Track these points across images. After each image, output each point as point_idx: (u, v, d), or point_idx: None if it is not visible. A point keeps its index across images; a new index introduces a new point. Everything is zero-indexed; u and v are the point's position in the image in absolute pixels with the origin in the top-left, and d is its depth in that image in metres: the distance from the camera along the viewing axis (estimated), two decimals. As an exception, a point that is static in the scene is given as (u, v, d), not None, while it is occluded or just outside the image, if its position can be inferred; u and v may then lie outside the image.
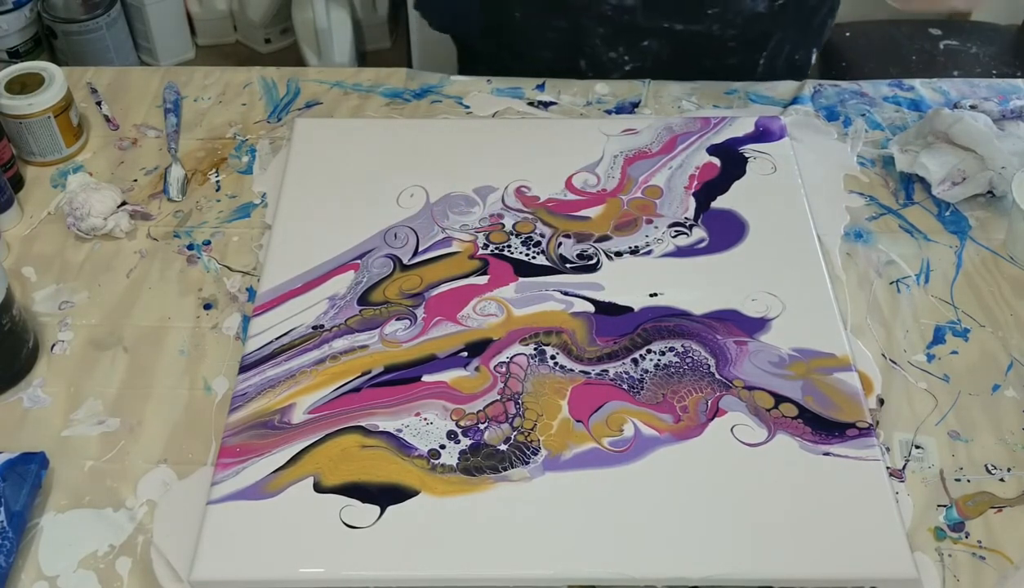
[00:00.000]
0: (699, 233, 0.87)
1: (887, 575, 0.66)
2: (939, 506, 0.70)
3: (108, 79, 1.06)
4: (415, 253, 0.85)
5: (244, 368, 0.76)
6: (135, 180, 0.95)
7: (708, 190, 0.90)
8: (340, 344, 0.78)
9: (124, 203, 0.89)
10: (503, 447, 0.71)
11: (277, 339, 0.78)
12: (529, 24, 1.07)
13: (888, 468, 0.71)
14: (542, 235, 0.86)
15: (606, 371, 0.76)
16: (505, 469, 0.70)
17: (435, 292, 0.82)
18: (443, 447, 0.71)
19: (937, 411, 0.76)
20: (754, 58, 1.09)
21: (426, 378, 0.76)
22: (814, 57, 1.15)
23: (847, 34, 1.69)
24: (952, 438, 0.74)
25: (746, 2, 1.02)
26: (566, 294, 0.81)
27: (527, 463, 0.70)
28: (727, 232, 0.87)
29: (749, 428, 0.72)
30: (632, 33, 1.05)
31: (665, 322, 0.79)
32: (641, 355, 0.77)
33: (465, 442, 0.72)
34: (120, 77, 1.06)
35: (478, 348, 0.77)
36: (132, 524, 0.69)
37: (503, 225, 0.87)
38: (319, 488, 0.69)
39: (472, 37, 1.17)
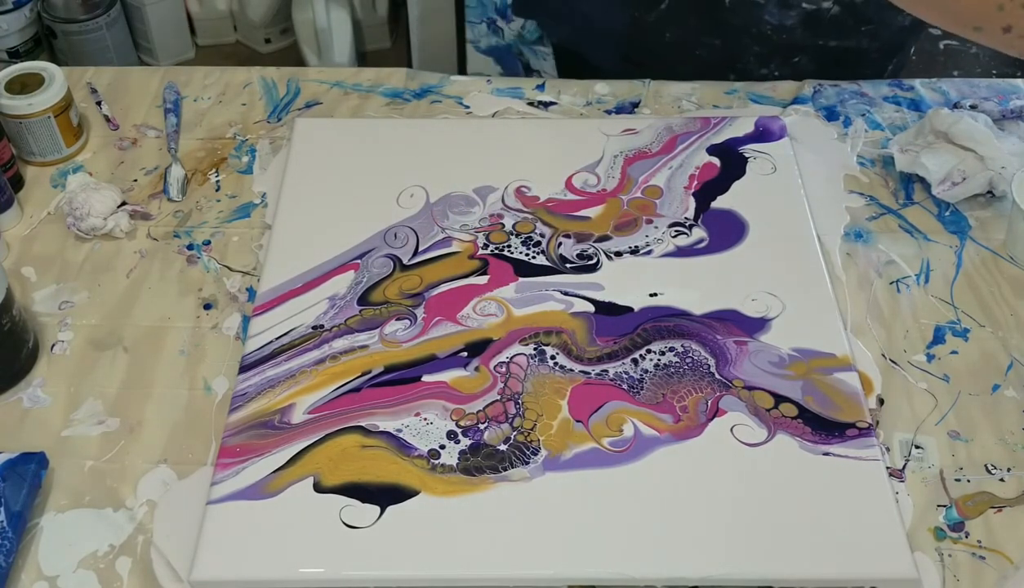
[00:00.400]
0: (699, 233, 0.87)
1: (887, 575, 0.66)
2: (939, 506, 0.70)
3: (108, 79, 1.06)
4: (415, 253, 0.85)
5: (244, 368, 0.76)
6: (135, 180, 0.95)
7: (708, 190, 0.90)
8: (340, 344, 0.78)
9: (124, 203, 0.89)
10: (503, 447, 0.71)
11: (277, 339, 0.78)
12: (680, 44, 1.08)
13: (888, 468, 0.71)
14: (542, 235, 0.86)
15: (606, 371, 0.76)
16: (505, 469, 0.70)
17: (435, 292, 0.82)
18: (443, 447, 0.71)
19: (937, 411, 0.76)
20: (885, 65, 1.11)
21: (426, 378, 0.76)
22: (912, 51, 1.17)
23: (847, 34, 1.69)
24: (952, 438, 0.74)
25: (897, 17, 1.03)
26: (566, 294, 0.81)
27: (527, 463, 0.70)
28: (727, 232, 0.87)
29: (749, 428, 0.72)
30: (787, 50, 1.05)
31: (665, 322, 0.79)
32: (641, 355, 0.77)
33: (465, 442, 0.72)
34: (120, 77, 1.06)
35: (478, 348, 0.77)
36: (132, 524, 0.69)
37: (503, 225, 0.87)
38: (319, 488, 0.69)
39: (606, 56, 1.15)
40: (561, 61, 1.24)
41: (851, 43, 1.04)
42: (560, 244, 0.86)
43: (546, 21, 1.21)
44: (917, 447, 0.74)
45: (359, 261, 0.84)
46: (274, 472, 0.70)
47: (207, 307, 0.83)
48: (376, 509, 0.68)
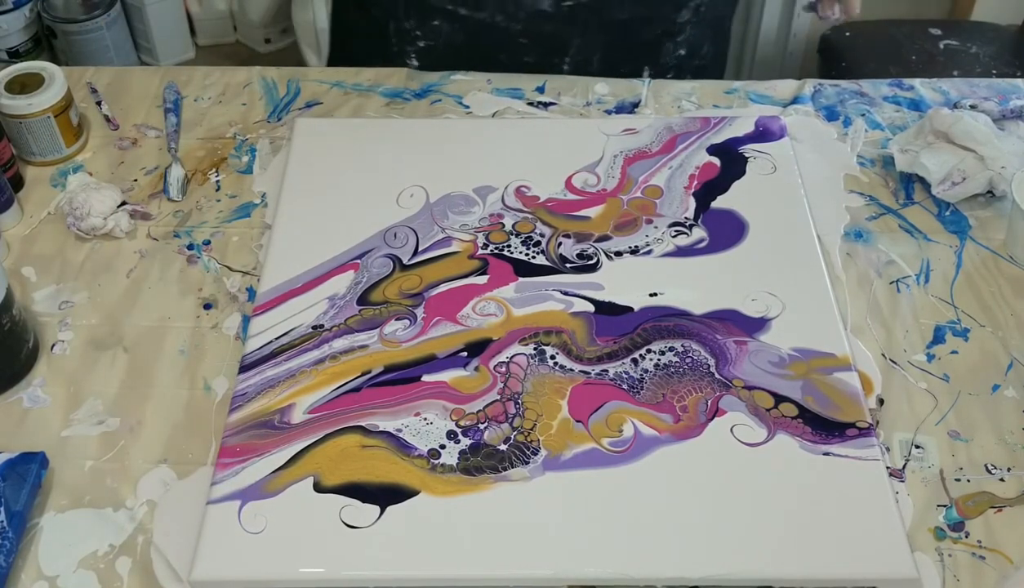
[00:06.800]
0: (699, 233, 0.87)
1: (887, 575, 0.66)
2: (939, 506, 0.70)
3: (108, 79, 1.06)
4: (415, 253, 0.85)
5: (244, 368, 0.76)
6: (135, 180, 0.95)
7: (708, 190, 0.90)
8: (340, 344, 0.78)
9: (124, 203, 0.89)
10: (503, 447, 0.71)
11: (277, 339, 0.78)
12: None
13: (888, 468, 0.71)
14: (542, 235, 0.86)
15: (606, 371, 0.76)
16: (505, 469, 0.70)
17: (435, 292, 0.82)
18: (443, 447, 0.71)
19: (937, 411, 0.76)
20: (553, 61, 1.08)
21: (426, 378, 0.76)
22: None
23: (847, 34, 1.69)
24: (952, 438, 0.74)
25: None
26: (566, 294, 0.81)
27: (527, 463, 0.70)
28: (727, 232, 0.87)
29: (749, 428, 0.72)
30: (423, 10, 1.05)
31: (665, 322, 0.79)
32: (641, 355, 0.77)
33: (465, 442, 0.72)
34: (120, 77, 1.06)
35: (478, 348, 0.77)
36: (132, 524, 0.69)
37: (503, 225, 0.87)
38: (319, 488, 0.69)
39: None
40: None
41: (483, 15, 1.03)
42: (560, 244, 0.86)
43: None
44: (917, 447, 0.74)
45: (359, 261, 0.84)
46: (274, 472, 0.70)
47: (207, 307, 0.83)
48: (376, 509, 0.68)
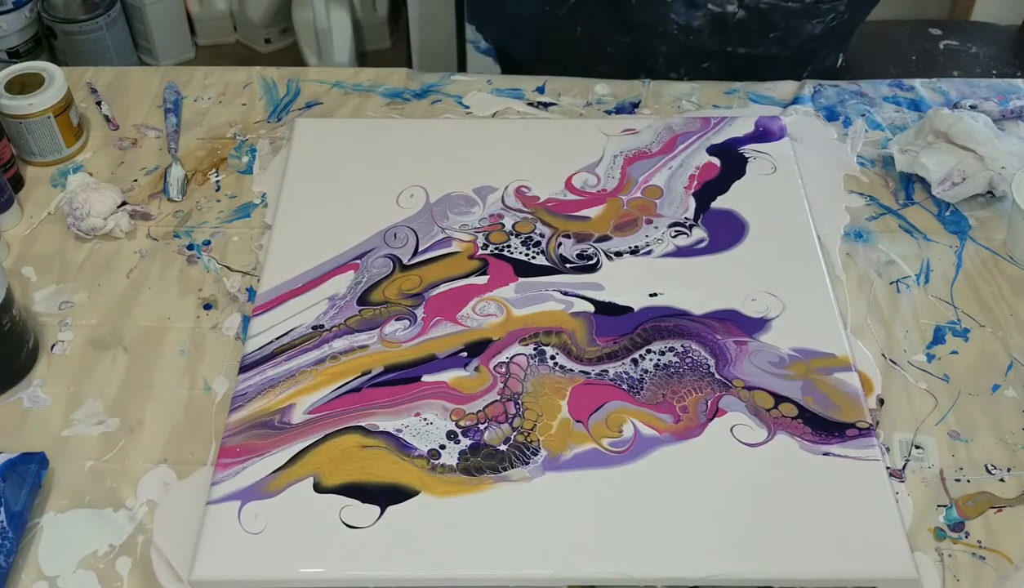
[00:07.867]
0: (699, 233, 0.87)
1: (887, 575, 0.66)
2: (939, 506, 0.70)
3: (108, 79, 1.06)
4: (415, 253, 0.85)
5: (244, 368, 0.76)
6: (135, 180, 0.95)
7: (708, 190, 0.90)
8: (340, 344, 0.78)
9: (124, 203, 0.89)
10: (503, 447, 0.71)
11: (277, 339, 0.78)
12: (591, 40, 1.09)
13: (888, 468, 0.71)
14: (542, 235, 0.86)
15: (606, 371, 0.76)
16: (505, 469, 0.70)
17: (435, 292, 0.82)
18: (443, 447, 0.71)
19: (937, 411, 0.76)
20: (798, 72, 1.11)
21: (426, 378, 0.76)
22: (840, 60, 1.17)
23: (847, 34, 1.69)
24: (952, 438, 0.74)
25: (806, 26, 1.04)
26: (566, 294, 0.81)
27: (527, 463, 0.70)
28: (727, 232, 0.87)
29: (749, 428, 0.72)
30: (694, 54, 1.07)
31: (665, 322, 0.79)
32: (641, 355, 0.77)
33: (465, 442, 0.72)
34: (120, 77, 1.06)
35: (478, 348, 0.77)
36: (132, 524, 0.69)
37: (503, 225, 0.87)
38: (319, 488, 0.69)
39: (526, 53, 1.19)
40: (500, 61, 1.28)
41: (759, 50, 1.06)
42: (560, 244, 0.86)
43: (482, 21, 1.25)
44: (917, 447, 0.74)
45: (359, 261, 0.84)
46: (274, 472, 0.70)
47: (207, 307, 0.83)
48: (376, 509, 0.68)
